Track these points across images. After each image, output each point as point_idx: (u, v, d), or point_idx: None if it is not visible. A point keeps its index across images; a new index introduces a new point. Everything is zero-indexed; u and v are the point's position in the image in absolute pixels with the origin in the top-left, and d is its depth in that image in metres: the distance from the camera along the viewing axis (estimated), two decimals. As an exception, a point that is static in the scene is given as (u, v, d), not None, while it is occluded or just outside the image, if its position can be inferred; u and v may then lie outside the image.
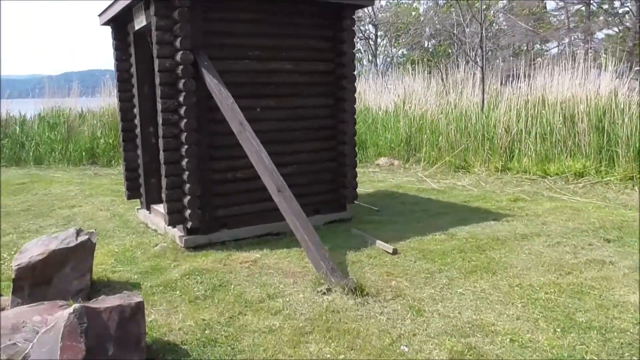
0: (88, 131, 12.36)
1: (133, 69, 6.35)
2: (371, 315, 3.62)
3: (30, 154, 11.83)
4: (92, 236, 4.22)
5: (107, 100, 13.18)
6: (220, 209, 5.56)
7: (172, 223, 5.32)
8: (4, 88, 14.42)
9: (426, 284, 4.20)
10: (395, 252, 4.96)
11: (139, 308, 3.07)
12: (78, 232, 4.22)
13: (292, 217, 4.32)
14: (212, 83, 4.94)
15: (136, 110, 6.53)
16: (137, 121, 6.54)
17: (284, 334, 3.41)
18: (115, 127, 12.33)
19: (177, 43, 5.04)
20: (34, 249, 4.05)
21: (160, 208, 6.26)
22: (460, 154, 9.32)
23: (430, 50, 28.08)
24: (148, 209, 6.55)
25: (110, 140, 12.08)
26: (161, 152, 5.22)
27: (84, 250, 4.13)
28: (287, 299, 3.95)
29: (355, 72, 6.15)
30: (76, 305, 2.85)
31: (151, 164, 6.50)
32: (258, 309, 3.80)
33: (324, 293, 3.98)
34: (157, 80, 5.11)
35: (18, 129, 12.42)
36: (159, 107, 5.13)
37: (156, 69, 5.14)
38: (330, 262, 4.10)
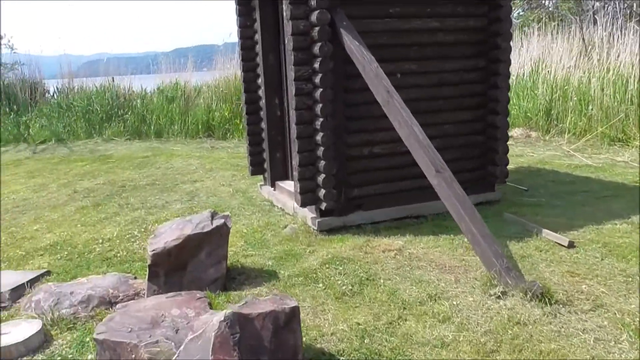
0: (204, 104, 12.37)
1: (258, 36, 5.88)
2: (571, 333, 2.86)
3: (152, 127, 12.06)
4: (227, 220, 3.82)
5: (221, 73, 13.09)
6: (355, 189, 4.98)
7: (305, 203, 4.83)
8: (124, 66, 14.76)
9: (629, 291, 3.34)
10: (571, 245, 4.10)
11: (294, 314, 2.57)
12: (213, 215, 3.84)
13: (454, 203, 3.62)
14: (353, 46, 4.30)
15: (260, 81, 6.10)
16: (261, 92, 6.11)
17: (462, 350, 2.76)
18: (230, 99, 12.22)
19: (313, 1, 4.44)
20: (168, 233, 3.72)
21: (287, 185, 5.83)
22: (618, 124, 7.99)
23: (550, 8, 25.42)
24: (272, 185, 6.15)
25: (226, 113, 11.99)
26: (293, 125, 4.71)
27: (220, 235, 3.74)
28: (454, 302, 3.29)
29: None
30: (227, 312, 2.39)
31: (276, 138, 6.06)
32: (421, 314, 3.18)
33: (499, 297, 3.26)
34: (290, 45, 4.56)
35: (139, 102, 12.72)
36: (292, 75, 4.60)
37: (288, 32, 4.60)
38: (504, 260, 3.37)
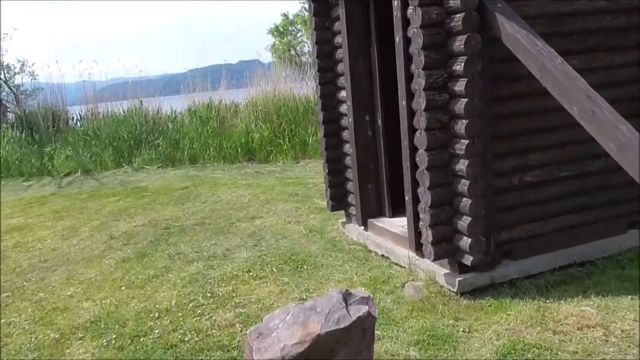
0: (241, 124, 11.16)
1: (342, 39, 4.61)
2: None
3: (185, 152, 10.87)
4: (372, 306, 2.48)
5: (257, 90, 11.88)
6: (502, 232, 3.64)
7: (439, 256, 3.51)
8: (141, 89, 13.53)
9: None
10: None
11: None
12: (345, 298, 2.51)
13: None
14: (520, 35, 2.98)
15: (343, 95, 4.83)
16: (345, 109, 4.84)
17: None
18: (270, 118, 10.99)
19: (448, -23, 3.17)
20: (282, 331, 2.41)
21: (388, 225, 4.51)
22: None
23: None
24: (364, 224, 4.84)
25: (266, 134, 10.75)
26: (422, 152, 3.41)
27: (362, 332, 2.42)
28: None
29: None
30: None
31: (367, 166, 4.76)
32: None
33: None
34: (418, 42, 3.29)
35: (170, 126, 11.56)
36: (420, 83, 3.32)
37: (416, 23, 3.32)
38: None
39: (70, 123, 12.36)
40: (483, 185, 3.35)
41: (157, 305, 4.07)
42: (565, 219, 3.78)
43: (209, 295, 4.17)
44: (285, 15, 22.54)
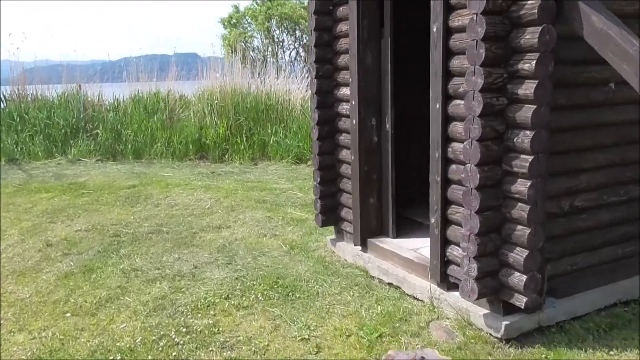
0: (194, 118, 10.18)
1: (351, 26, 3.93)
2: None
3: (129, 145, 9.76)
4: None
5: (213, 83, 10.92)
6: (548, 265, 3.09)
7: (483, 294, 2.90)
8: (78, 73, 12.16)
9: None
10: None
11: None
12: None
13: None
14: (613, 32, 2.42)
15: (344, 93, 4.15)
16: (345, 109, 4.16)
17: None
18: (227, 113, 10.08)
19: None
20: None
21: (394, 247, 3.89)
22: None
23: None
24: (362, 244, 4.18)
25: (222, 130, 9.84)
26: (471, 167, 2.79)
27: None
28: None
29: None
30: None
31: (370, 175, 4.10)
32: None
33: None
34: (477, 32, 2.68)
35: (112, 114, 10.37)
36: (476, 83, 2.70)
37: (475, 9, 2.70)
38: None
39: (-7, 105, 10.87)
40: (542, 211, 2.78)
41: (117, 343, 3.22)
42: (610, 251, 3.30)
43: (184, 329, 3.36)
44: (236, 7, 21.54)
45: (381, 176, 4.13)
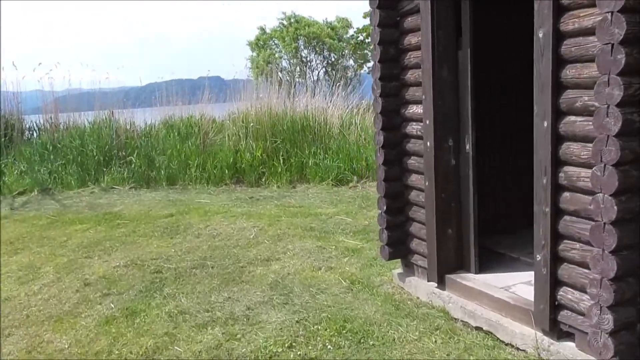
0: (228, 142, 9.84)
1: (423, 38, 3.49)
2: None
3: (162, 171, 9.44)
4: None
5: (246, 105, 10.59)
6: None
7: (620, 351, 2.36)
8: (109, 99, 11.94)
9: None
10: None
11: None
12: None
13: None
14: None
15: (414, 111, 3.70)
16: (415, 129, 3.70)
17: None
18: (263, 136, 9.72)
19: None
20: None
21: (480, 284, 3.38)
22: None
23: None
24: (439, 280, 3.67)
25: (258, 154, 9.47)
26: (605, 197, 2.29)
27: None
28: None
29: None
30: None
31: (448, 204, 3.61)
32: None
33: None
34: (614, 34, 2.21)
35: (144, 141, 10.10)
36: (612, 95, 2.22)
37: (614, 4, 2.22)
38: None
39: (26, 134, 10.74)
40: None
41: (174, 408, 2.76)
42: None
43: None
44: (262, 29, 21.43)
45: (460, 204, 3.64)
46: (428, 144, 3.56)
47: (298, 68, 19.62)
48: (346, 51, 20.51)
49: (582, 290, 2.60)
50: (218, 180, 9.41)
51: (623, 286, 2.33)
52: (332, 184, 8.75)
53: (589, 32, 2.44)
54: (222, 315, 3.87)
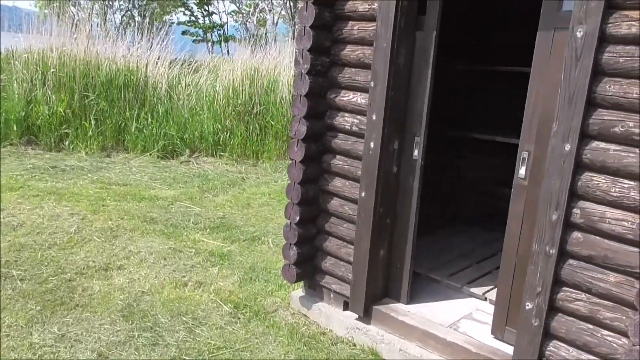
0: (19, 89, 7.58)
1: (384, 7, 2.67)
2: None
3: None
4: None
5: (46, 42, 8.27)
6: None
7: None
8: None
9: None
10: None
11: None
12: None
13: None
14: None
15: (353, 101, 2.89)
16: (354, 123, 2.90)
17: None
18: (71, 88, 7.72)
19: None
20: None
21: (420, 321, 2.83)
22: None
23: None
24: (364, 312, 2.99)
25: (60, 109, 7.47)
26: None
27: None
28: None
29: None
30: None
31: (384, 220, 2.92)
32: None
33: None
34: None
35: None
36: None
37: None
38: None
39: None
40: None
41: None
42: None
43: None
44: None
45: (395, 220, 2.98)
46: (372, 144, 2.79)
47: (96, 5, 16.69)
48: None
49: (586, 349, 2.18)
50: (2, 137, 7.22)
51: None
52: (159, 156, 7.38)
53: (649, 42, 1.95)
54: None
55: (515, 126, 2.73)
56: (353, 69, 2.88)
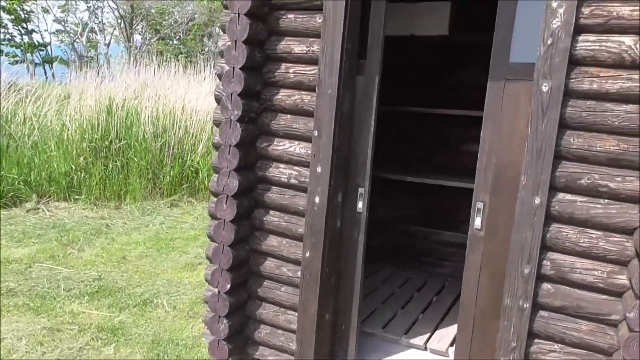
0: None
1: (327, 50, 2.45)
2: None
3: None
4: None
5: None
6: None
7: None
8: None
9: None
10: None
11: None
12: None
13: None
14: None
15: (290, 151, 2.62)
16: (291, 175, 2.63)
17: None
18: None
19: None
20: None
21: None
22: None
23: None
24: (308, 383, 2.69)
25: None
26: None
27: None
28: None
29: None
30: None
31: (329, 280, 2.68)
32: None
33: None
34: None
35: None
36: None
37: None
38: None
39: None
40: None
41: None
42: None
43: None
44: None
45: (339, 278, 2.75)
46: (317, 200, 2.54)
47: None
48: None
49: (564, 402, 2.17)
50: None
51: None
52: (-3, 205, 6.20)
53: (610, 98, 2.02)
54: None
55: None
56: (289, 116, 2.61)
